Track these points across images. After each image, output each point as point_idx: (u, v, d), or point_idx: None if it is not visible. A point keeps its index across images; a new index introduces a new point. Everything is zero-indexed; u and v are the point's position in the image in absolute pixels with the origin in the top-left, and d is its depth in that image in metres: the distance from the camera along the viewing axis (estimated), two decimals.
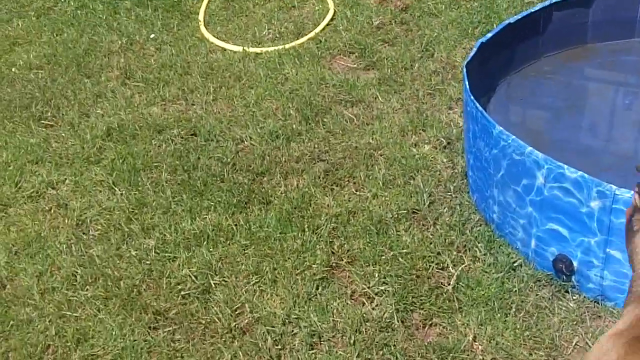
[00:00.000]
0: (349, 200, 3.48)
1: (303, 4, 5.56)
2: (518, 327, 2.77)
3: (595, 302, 2.89)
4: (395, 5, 5.29)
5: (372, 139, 3.93)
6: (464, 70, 3.46)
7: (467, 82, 3.35)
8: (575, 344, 2.73)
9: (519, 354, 2.69)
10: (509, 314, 2.83)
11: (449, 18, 5.05)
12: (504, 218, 3.14)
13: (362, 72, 4.63)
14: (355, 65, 4.71)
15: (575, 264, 2.90)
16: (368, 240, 3.20)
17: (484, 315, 2.82)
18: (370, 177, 3.63)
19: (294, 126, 4.06)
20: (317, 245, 3.17)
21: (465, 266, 3.04)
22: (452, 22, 4.98)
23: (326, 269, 3.06)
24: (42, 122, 4.37)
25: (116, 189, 3.68)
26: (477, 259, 3.08)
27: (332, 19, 5.24)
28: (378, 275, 3.02)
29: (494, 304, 2.86)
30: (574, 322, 2.81)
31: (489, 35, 3.78)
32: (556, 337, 2.74)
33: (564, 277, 2.94)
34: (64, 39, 5.35)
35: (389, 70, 4.54)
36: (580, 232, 2.82)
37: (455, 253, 3.11)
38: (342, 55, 4.84)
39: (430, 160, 3.68)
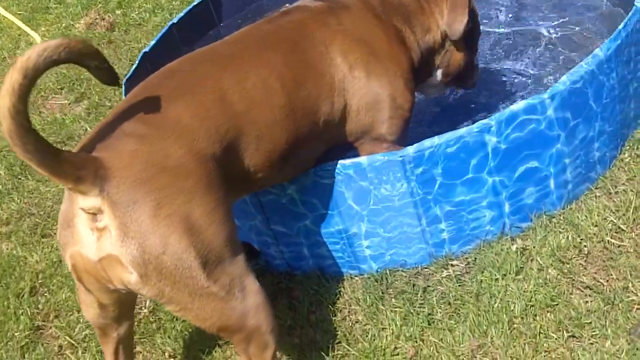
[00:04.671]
0: (56, 250, 3.43)
1: (14, 52, 5.40)
2: None
3: (288, 274, 2.96)
4: (101, 26, 5.22)
5: None
6: (123, 87, 3.44)
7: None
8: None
9: None
10: None
11: (153, 24, 5.04)
12: None
13: (74, 106, 4.55)
14: (66, 101, 4.62)
15: (256, 246, 2.98)
16: (71, 287, 3.17)
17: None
18: None
19: (1, 187, 3.95)
20: (20, 310, 3.12)
21: None
22: (156, 28, 4.96)
23: (30, 332, 3.01)
24: None
25: None
26: None
27: None
28: (81, 321, 2.99)
29: None
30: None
31: (152, 43, 3.78)
32: None
33: (254, 261, 3.01)
34: None
35: (97, 97, 4.49)
36: (245, 218, 2.89)
37: None
38: (54, 94, 4.75)
39: None
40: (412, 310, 2.63)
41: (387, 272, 2.82)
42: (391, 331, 2.59)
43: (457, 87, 3.14)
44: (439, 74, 2.90)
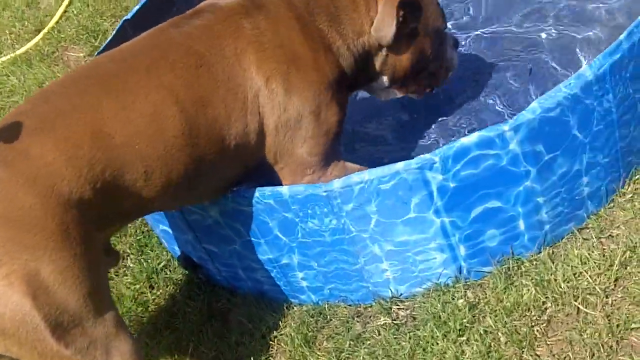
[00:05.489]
0: None
1: None
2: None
3: (229, 292, 2.68)
4: None
5: None
6: None
7: None
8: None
9: None
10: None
11: None
12: None
13: (89, 59, 4.34)
14: (83, 54, 4.42)
15: (195, 259, 2.70)
16: None
17: None
18: None
19: None
20: None
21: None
22: None
23: None
24: None
25: None
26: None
27: (69, 4, 4.90)
28: None
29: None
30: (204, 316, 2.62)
31: (136, 8, 3.46)
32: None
33: (197, 272, 2.75)
34: None
35: None
36: (178, 231, 2.61)
37: None
38: (73, 45, 4.55)
39: None
40: None
41: (326, 306, 2.48)
42: None
43: (430, 89, 2.64)
44: (384, 80, 2.44)
